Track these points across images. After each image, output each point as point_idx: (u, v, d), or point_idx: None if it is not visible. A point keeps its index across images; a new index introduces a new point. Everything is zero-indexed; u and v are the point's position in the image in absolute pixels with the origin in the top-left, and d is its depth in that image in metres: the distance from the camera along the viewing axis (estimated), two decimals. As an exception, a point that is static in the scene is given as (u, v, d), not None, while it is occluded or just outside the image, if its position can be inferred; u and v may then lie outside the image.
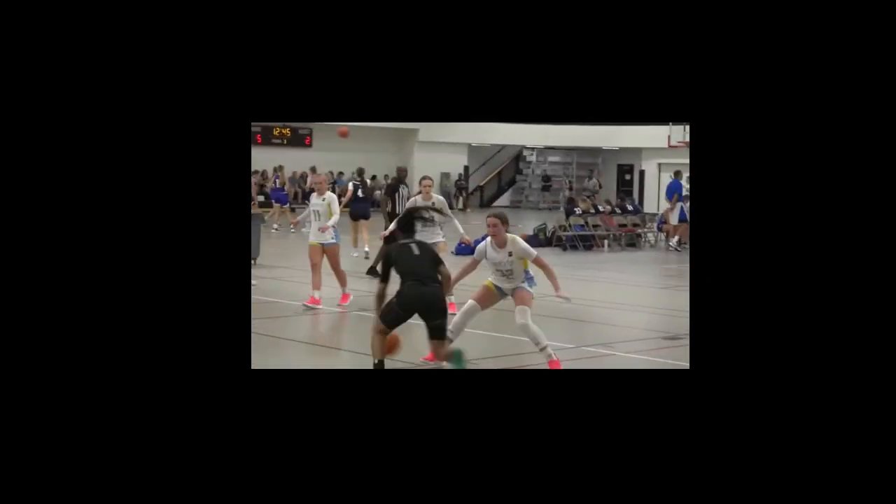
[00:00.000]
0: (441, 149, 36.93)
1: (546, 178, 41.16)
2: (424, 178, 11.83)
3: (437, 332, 7.27)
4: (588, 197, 26.96)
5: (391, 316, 7.25)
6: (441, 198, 11.62)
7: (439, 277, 7.33)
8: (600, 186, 37.14)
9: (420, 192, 11.58)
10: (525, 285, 7.97)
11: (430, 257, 7.45)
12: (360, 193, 18.26)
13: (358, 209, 17.98)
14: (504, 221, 7.94)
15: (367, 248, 17.51)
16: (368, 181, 20.79)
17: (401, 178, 14.70)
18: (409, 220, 7.75)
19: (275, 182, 27.39)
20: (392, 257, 7.39)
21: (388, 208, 14.45)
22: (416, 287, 7.18)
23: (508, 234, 7.94)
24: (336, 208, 11.58)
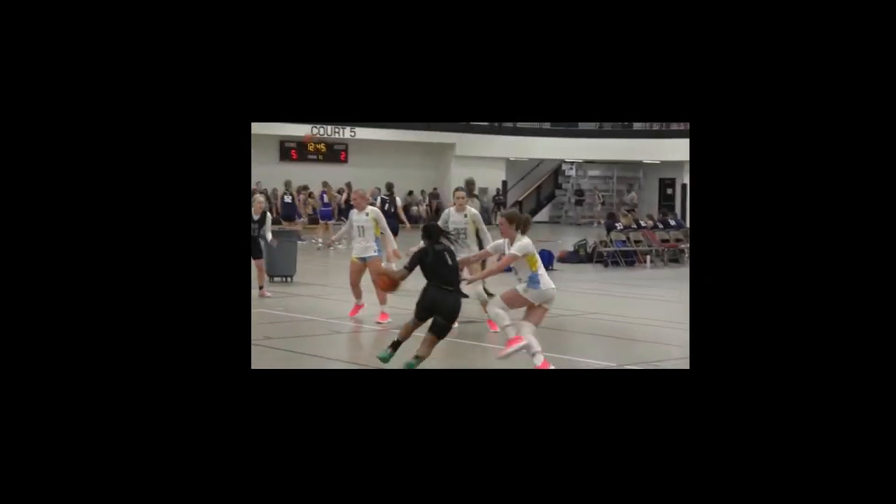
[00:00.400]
0: (478, 163, 36.54)
1: (579, 193, 40.55)
2: (457, 189, 11.54)
3: (440, 330, 8.04)
4: (629, 211, 26.52)
5: (418, 315, 8.19)
6: (475, 211, 11.32)
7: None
8: (633, 202, 36.56)
9: (454, 205, 11.26)
10: (520, 287, 8.15)
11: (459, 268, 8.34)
12: (386, 208, 18.14)
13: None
14: (510, 220, 8.25)
15: (393, 265, 17.18)
16: (398, 198, 20.48)
17: (469, 190, 14.20)
18: (434, 232, 8.38)
19: (322, 198, 26.84)
20: (426, 258, 8.11)
21: None
22: (439, 292, 8.04)
23: (518, 235, 8.20)
24: (384, 224, 11.48)
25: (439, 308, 7.98)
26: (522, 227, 8.16)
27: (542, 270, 8.16)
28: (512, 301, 8.22)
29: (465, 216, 11.00)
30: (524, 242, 8.10)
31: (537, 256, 8.19)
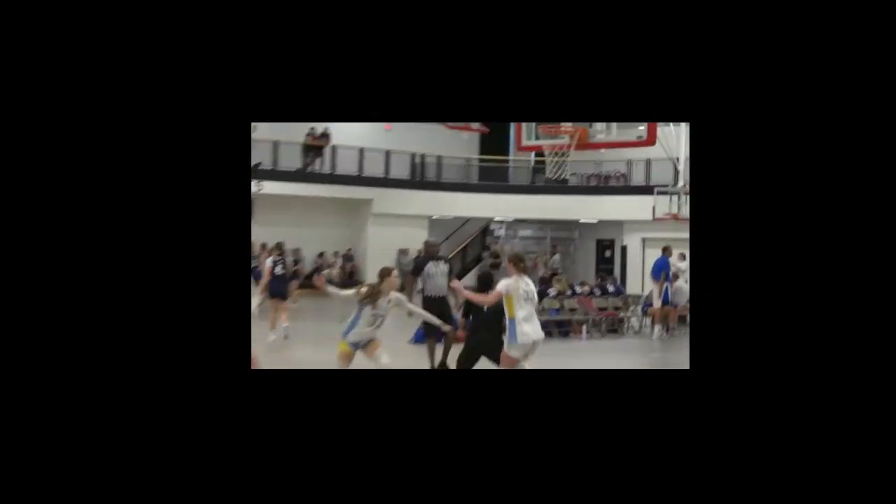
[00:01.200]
0: (398, 222, 33.25)
1: (495, 255, 36.77)
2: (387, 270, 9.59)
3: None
4: (553, 275, 23.43)
5: None
6: (399, 296, 9.35)
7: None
8: (554, 266, 33.28)
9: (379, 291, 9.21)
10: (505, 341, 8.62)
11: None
12: (278, 270, 16.49)
13: (276, 287, 16.21)
14: (510, 261, 8.73)
15: (285, 325, 15.85)
16: (297, 259, 18.58)
17: (431, 254, 12.81)
18: (489, 280, 9.62)
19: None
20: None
21: (419, 288, 12.77)
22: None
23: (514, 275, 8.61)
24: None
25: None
26: (520, 266, 8.61)
27: (520, 319, 8.32)
28: (505, 363, 8.52)
29: (389, 302, 9.14)
30: (506, 281, 8.51)
31: (517, 300, 8.34)
